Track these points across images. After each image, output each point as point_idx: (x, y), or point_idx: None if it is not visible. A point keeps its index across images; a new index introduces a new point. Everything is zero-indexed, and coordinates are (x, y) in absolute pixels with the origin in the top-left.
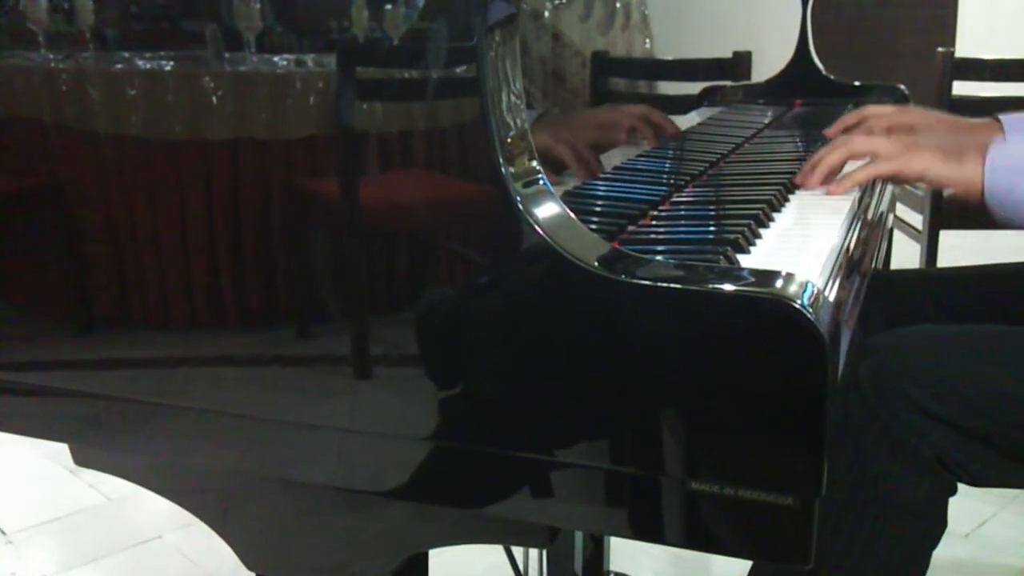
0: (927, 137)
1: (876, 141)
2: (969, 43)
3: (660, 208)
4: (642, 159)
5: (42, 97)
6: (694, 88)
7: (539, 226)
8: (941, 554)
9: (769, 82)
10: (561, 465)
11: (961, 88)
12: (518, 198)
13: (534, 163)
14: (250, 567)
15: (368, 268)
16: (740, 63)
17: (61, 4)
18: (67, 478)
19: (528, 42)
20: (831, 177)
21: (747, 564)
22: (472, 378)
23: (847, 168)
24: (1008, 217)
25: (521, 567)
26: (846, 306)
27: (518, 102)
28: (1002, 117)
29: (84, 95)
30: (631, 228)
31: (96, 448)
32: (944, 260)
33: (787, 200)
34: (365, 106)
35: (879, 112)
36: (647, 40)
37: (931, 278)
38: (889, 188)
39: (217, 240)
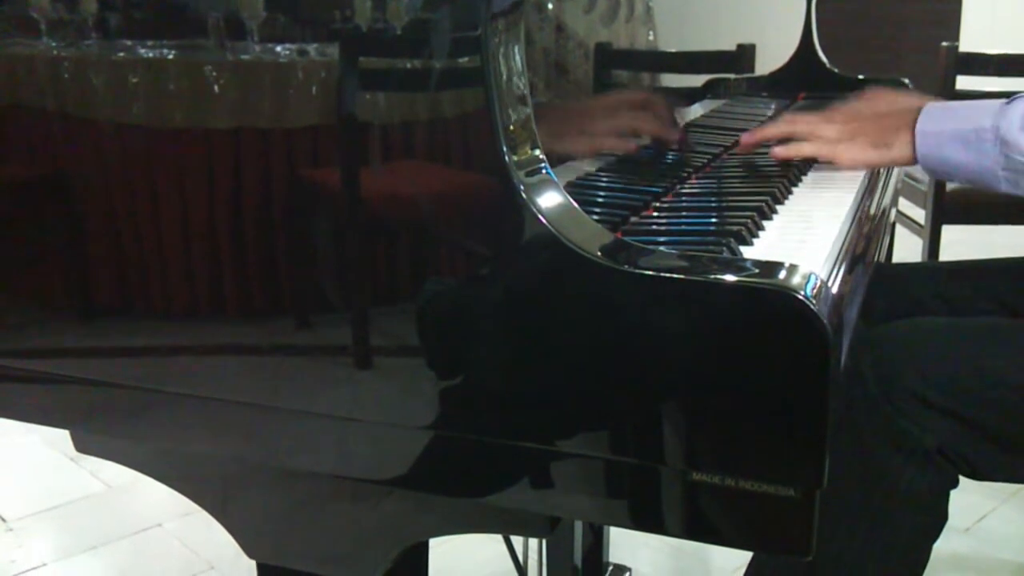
0: (867, 121)
1: (819, 126)
2: (973, 37)
3: (663, 199)
4: (646, 150)
5: (44, 85)
6: (697, 80)
7: (542, 215)
8: (941, 548)
9: (773, 75)
10: (562, 455)
11: (965, 83)
12: (521, 187)
13: (537, 151)
14: (250, 555)
15: (370, 258)
16: (744, 56)
17: None
18: (67, 466)
19: (531, 33)
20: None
21: (746, 556)
22: (473, 367)
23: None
24: (944, 176)
25: (520, 558)
26: (849, 298)
27: (522, 91)
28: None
29: (86, 83)
30: (634, 219)
31: (97, 435)
32: (946, 255)
33: (790, 192)
34: (368, 96)
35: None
36: (650, 32)
37: (933, 272)
38: (892, 182)
39: (218, 229)
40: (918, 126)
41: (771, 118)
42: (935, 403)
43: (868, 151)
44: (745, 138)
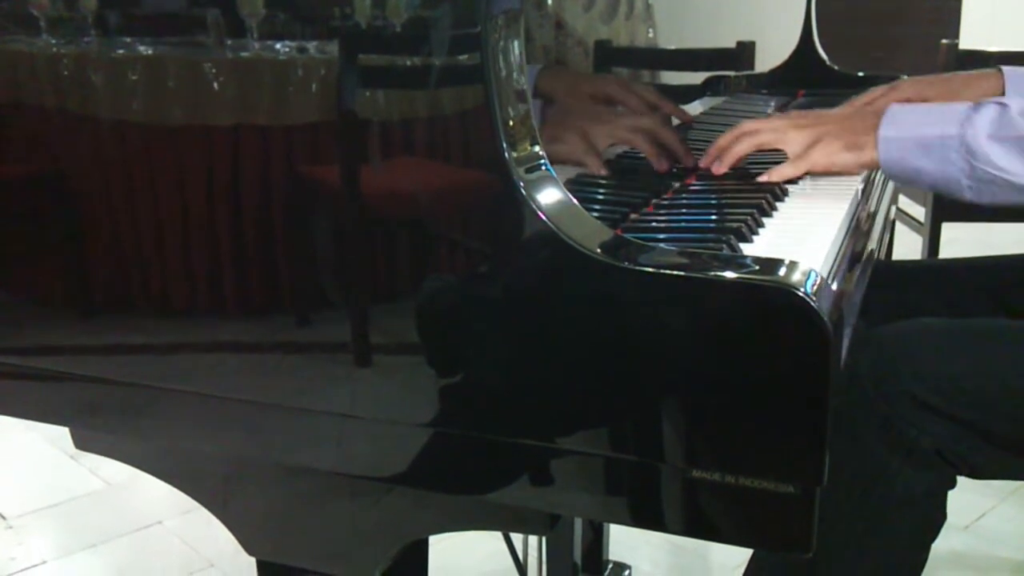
0: (833, 123)
1: (783, 136)
2: (973, 35)
3: (663, 196)
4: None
5: (44, 82)
6: (697, 78)
7: (542, 212)
8: (940, 546)
9: (772, 72)
10: (562, 452)
11: None
12: (521, 184)
13: (536, 148)
14: (250, 552)
15: (370, 255)
16: (743, 53)
17: None
18: (67, 463)
19: (531, 31)
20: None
21: (747, 554)
22: (473, 365)
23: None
24: (908, 182)
25: (520, 555)
26: (849, 295)
27: (522, 87)
28: (1004, 68)
29: (86, 81)
30: (634, 216)
31: (97, 432)
32: (946, 252)
33: (789, 190)
34: (367, 93)
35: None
36: (650, 29)
37: (933, 269)
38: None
39: (218, 226)
40: (880, 131)
41: (775, 111)
42: (932, 405)
43: (842, 154)
44: (714, 168)
